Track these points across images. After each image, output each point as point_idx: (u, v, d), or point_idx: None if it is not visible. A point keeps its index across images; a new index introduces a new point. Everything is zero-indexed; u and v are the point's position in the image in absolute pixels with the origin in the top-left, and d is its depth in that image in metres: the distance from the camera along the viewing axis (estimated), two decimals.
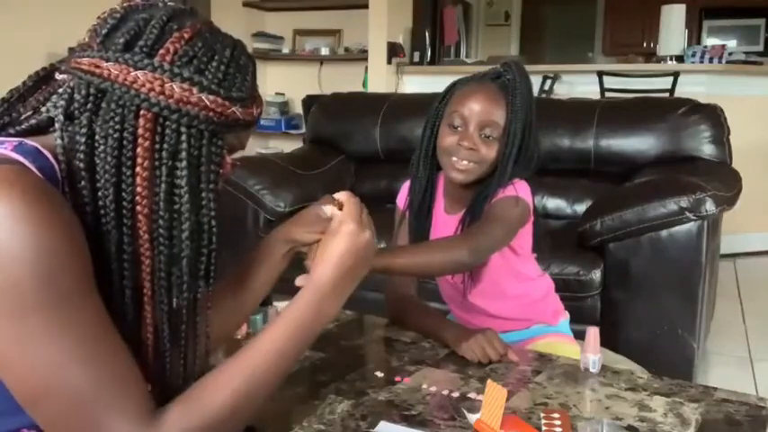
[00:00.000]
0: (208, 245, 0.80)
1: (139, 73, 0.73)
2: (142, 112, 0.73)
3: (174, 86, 0.74)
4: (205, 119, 0.76)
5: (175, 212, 0.76)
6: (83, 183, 0.73)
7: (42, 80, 0.81)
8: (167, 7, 0.79)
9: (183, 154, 0.75)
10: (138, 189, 0.74)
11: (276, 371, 0.81)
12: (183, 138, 0.75)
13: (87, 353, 0.68)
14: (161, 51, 0.75)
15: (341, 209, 0.97)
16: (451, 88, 1.44)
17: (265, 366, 0.80)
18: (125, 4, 0.79)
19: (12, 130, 0.77)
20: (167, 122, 0.75)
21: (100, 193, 0.73)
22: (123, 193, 0.74)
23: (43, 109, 0.78)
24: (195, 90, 0.75)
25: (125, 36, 0.75)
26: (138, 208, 0.74)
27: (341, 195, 0.99)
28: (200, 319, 0.84)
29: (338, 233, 0.90)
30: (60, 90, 0.77)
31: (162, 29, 0.76)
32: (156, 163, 0.74)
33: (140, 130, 0.73)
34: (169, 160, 0.75)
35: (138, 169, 0.73)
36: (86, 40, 0.78)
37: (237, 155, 0.89)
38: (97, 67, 0.74)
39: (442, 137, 1.40)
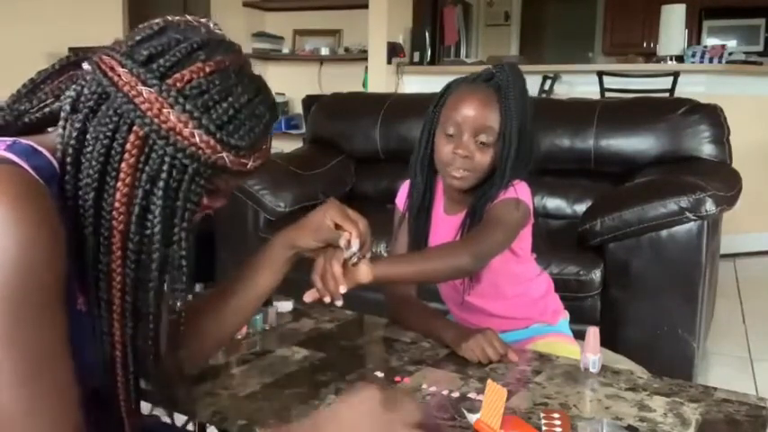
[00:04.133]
0: (178, 282, 0.79)
1: (144, 89, 0.73)
2: (135, 128, 0.73)
3: (171, 114, 0.73)
4: (191, 155, 0.75)
5: (146, 238, 0.75)
6: (67, 177, 0.73)
7: (71, 65, 0.80)
8: (206, 34, 0.78)
9: (162, 183, 0.74)
10: (117, 204, 0.73)
11: None
12: (165, 167, 0.74)
13: (27, 377, 0.65)
14: (176, 76, 0.74)
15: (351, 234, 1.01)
16: (446, 91, 1.43)
17: None
18: (170, 18, 0.79)
19: (26, 119, 0.77)
20: (155, 146, 0.74)
21: (80, 193, 0.73)
22: (103, 203, 0.73)
23: (62, 96, 0.77)
24: (191, 124, 0.74)
25: (150, 50, 0.75)
26: (114, 223, 0.73)
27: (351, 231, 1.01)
28: (164, 350, 0.82)
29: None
30: (78, 81, 0.77)
31: (188, 54, 0.75)
32: (136, 183, 0.74)
33: (129, 145, 0.73)
34: (147, 184, 0.74)
35: (119, 184, 0.73)
36: (124, 38, 0.78)
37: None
38: (112, 69, 0.74)
39: (438, 147, 1.39)
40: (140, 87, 0.73)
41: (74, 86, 0.76)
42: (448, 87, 1.43)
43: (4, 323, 0.64)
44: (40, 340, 0.67)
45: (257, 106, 0.80)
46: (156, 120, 0.73)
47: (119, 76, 0.73)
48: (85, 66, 0.78)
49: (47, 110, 0.77)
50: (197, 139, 0.74)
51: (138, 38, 0.76)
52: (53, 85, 0.79)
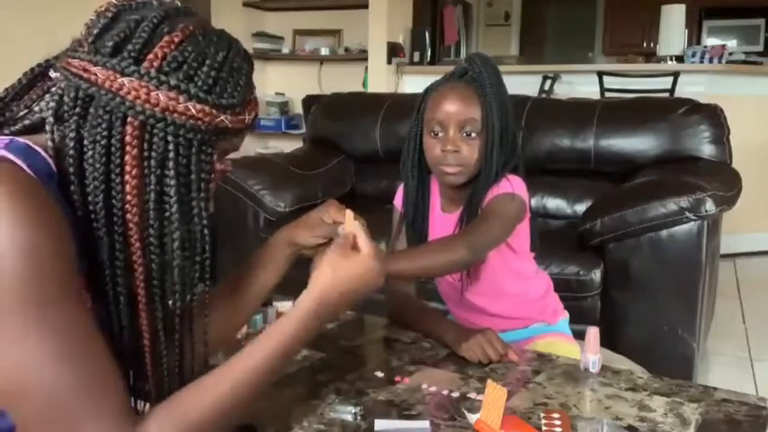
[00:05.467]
0: (201, 253, 0.79)
1: (126, 80, 0.72)
2: (129, 119, 0.73)
3: (160, 95, 0.73)
4: (192, 128, 0.75)
5: (166, 220, 0.76)
6: (73, 187, 0.73)
7: (38, 77, 0.80)
8: (161, 7, 0.78)
9: (171, 163, 0.74)
10: (128, 197, 0.73)
11: (257, 385, 0.80)
12: (171, 146, 0.74)
13: (66, 355, 0.67)
14: (150, 57, 0.74)
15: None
16: (424, 97, 1.45)
17: (247, 382, 0.79)
18: (119, 2, 0.78)
19: (6, 131, 0.77)
20: (155, 131, 0.74)
21: (90, 199, 0.73)
22: (113, 201, 0.73)
23: (36, 108, 0.77)
24: (182, 98, 0.74)
25: (114, 39, 0.74)
26: (129, 216, 0.73)
27: (353, 225, 0.97)
28: (196, 326, 0.83)
29: (359, 261, 0.88)
30: (52, 90, 0.76)
31: (152, 32, 0.75)
32: (145, 171, 0.74)
33: (128, 138, 0.73)
34: (157, 169, 0.74)
35: (126, 177, 0.73)
36: (81, 35, 0.77)
37: (233, 155, 0.88)
38: (85, 70, 0.73)
39: (427, 148, 1.41)
40: (121, 79, 0.72)
41: (48, 96, 0.76)
42: (426, 92, 1.46)
43: (31, 308, 0.65)
44: (71, 320, 0.68)
45: (234, 60, 0.80)
46: (147, 105, 0.73)
47: (95, 75, 0.73)
48: (53, 74, 0.77)
49: (26, 121, 0.77)
50: (193, 110, 0.74)
51: (96, 31, 0.75)
52: (25, 98, 0.79)
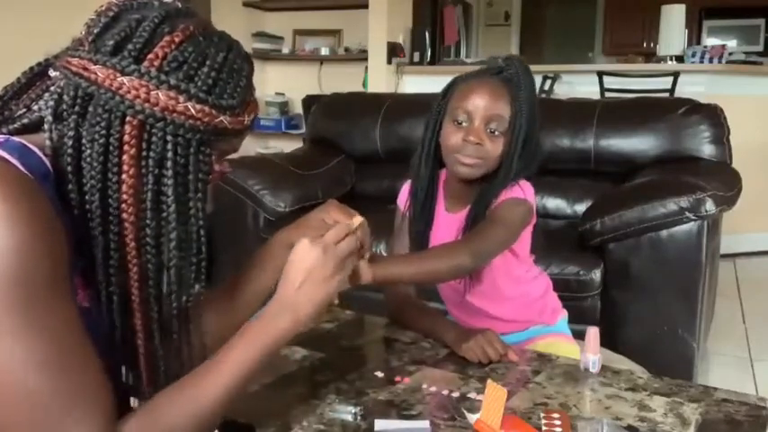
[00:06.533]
0: (197, 254, 0.79)
1: (126, 79, 0.72)
2: (128, 118, 0.73)
3: (160, 94, 0.73)
4: (191, 128, 0.75)
5: (163, 221, 0.75)
6: (70, 186, 0.72)
7: (37, 76, 0.80)
8: (162, 7, 0.78)
9: (170, 163, 0.74)
10: (125, 197, 0.73)
11: (235, 391, 0.79)
12: (170, 146, 0.74)
13: (49, 359, 0.66)
14: (150, 56, 0.73)
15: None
16: (452, 85, 1.42)
17: (225, 388, 0.78)
18: (120, 2, 0.78)
19: (4, 129, 0.76)
20: (153, 130, 0.73)
21: (87, 197, 0.73)
22: (110, 200, 0.73)
23: (35, 107, 0.77)
24: (182, 98, 0.74)
25: (115, 38, 0.74)
26: (125, 215, 0.73)
27: (354, 220, 0.96)
28: (192, 327, 0.83)
29: (313, 251, 0.87)
30: (51, 89, 0.76)
31: (153, 31, 0.75)
32: (143, 170, 0.74)
33: (126, 137, 0.73)
34: (155, 168, 0.74)
35: (124, 176, 0.73)
36: (82, 34, 0.77)
37: (232, 156, 0.88)
38: (85, 69, 0.73)
39: (446, 134, 1.38)
40: (121, 78, 0.72)
41: (47, 95, 0.76)
42: (454, 82, 1.43)
43: (15, 311, 0.65)
44: (55, 322, 0.67)
45: (234, 61, 0.80)
46: (147, 105, 0.72)
47: (95, 73, 0.72)
48: (52, 73, 0.77)
49: (25, 120, 0.76)
50: (192, 111, 0.74)
51: (96, 30, 0.75)
52: (24, 97, 0.79)
